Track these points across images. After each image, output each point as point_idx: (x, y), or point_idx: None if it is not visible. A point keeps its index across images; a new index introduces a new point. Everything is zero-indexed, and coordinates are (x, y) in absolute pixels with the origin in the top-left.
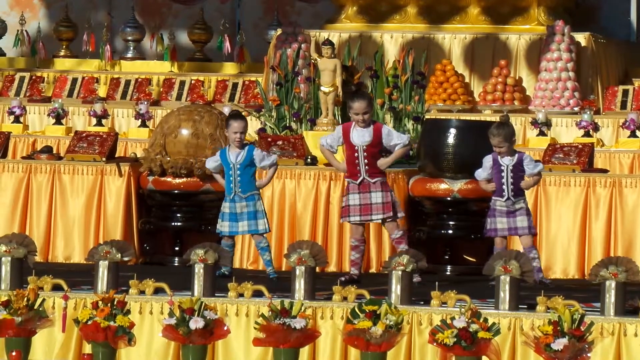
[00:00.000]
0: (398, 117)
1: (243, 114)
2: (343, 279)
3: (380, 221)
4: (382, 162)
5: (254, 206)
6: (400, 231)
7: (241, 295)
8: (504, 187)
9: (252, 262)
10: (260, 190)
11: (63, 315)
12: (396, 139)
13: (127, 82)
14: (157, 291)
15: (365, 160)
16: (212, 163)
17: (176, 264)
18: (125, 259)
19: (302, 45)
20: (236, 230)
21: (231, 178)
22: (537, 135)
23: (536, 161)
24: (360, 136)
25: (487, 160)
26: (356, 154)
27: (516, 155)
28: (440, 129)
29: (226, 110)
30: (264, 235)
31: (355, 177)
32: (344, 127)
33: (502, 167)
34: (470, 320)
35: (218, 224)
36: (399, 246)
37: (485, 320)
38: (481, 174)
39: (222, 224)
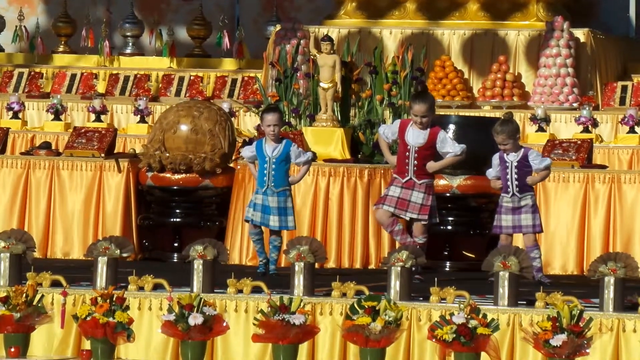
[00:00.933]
0: (397, 112)
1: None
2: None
3: (409, 219)
4: (432, 166)
5: (284, 202)
6: (425, 238)
7: (240, 291)
8: (509, 183)
9: (251, 258)
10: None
11: (62, 311)
12: (449, 147)
13: (126, 78)
14: (156, 287)
15: (415, 162)
16: (247, 152)
17: (175, 260)
18: (125, 255)
19: (301, 41)
20: (267, 223)
21: (265, 171)
22: (536, 131)
23: (543, 156)
24: (415, 137)
25: (495, 159)
26: (407, 153)
27: (522, 151)
28: (440, 124)
29: (225, 106)
30: (281, 233)
31: (402, 175)
32: (402, 122)
33: (507, 164)
34: (469, 316)
35: (248, 212)
36: None
37: (484, 316)
38: (491, 172)
39: (253, 213)
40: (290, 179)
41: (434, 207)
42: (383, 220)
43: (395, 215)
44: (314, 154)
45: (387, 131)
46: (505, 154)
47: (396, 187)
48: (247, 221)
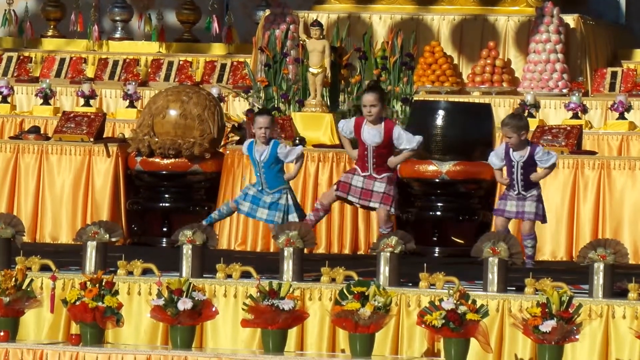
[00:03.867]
0: (386, 98)
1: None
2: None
3: (372, 208)
4: (392, 161)
5: (278, 199)
6: (389, 229)
7: (229, 276)
8: (514, 182)
9: (240, 243)
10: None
11: (51, 295)
12: (405, 143)
13: (115, 63)
14: (145, 272)
15: (374, 160)
16: (244, 150)
17: (164, 245)
18: (114, 239)
19: (291, 26)
20: (254, 215)
21: (258, 174)
22: (526, 117)
23: (550, 152)
24: (371, 135)
25: (500, 149)
26: (366, 152)
27: (528, 149)
28: (429, 110)
29: (214, 91)
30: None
31: (363, 170)
32: (356, 121)
33: (513, 163)
34: (458, 302)
35: (240, 201)
36: None
37: (474, 302)
38: (495, 162)
39: (243, 203)
40: (285, 177)
41: (396, 197)
42: (327, 199)
43: (350, 203)
44: (303, 140)
45: (345, 128)
46: (511, 150)
47: (359, 177)
48: (236, 206)
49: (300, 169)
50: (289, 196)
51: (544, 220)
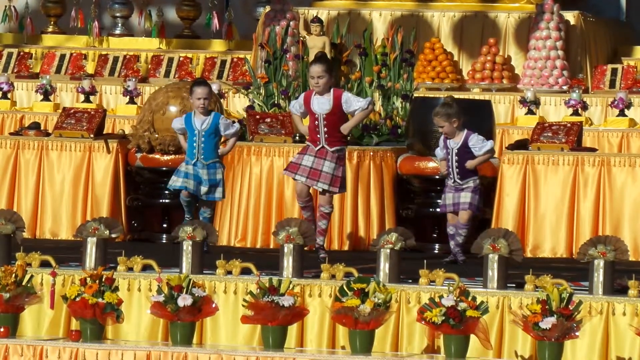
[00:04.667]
0: (386, 95)
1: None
2: (322, 256)
3: (320, 190)
4: (344, 127)
5: (214, 174)
6: (330, 207)
7: (229, 272)
8: (450, 169)
9: (240, 239)
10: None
11: (51, 291)
12: (355, 104)
13: (115, 59)
14: (145, 268)
15: (325, 129)
16: (177, 124)
17: (164, 241)
18: (114, 235)
19: (291, 23)
20: (199, 193)
21: (195, 144)
22: (526, 114)
23: (484, 140)
24: (321, 104)
25: (441, 140)
26: (316, 122)
27: (463, 136)
28: (429, 107)
29: (214, 88)
30: (211, 204)
31: (315, 144)
32: (306, 94)
33: (449, 150)
34: (458, 299)
35: (179, 181)
36: (321, 220)
37: (474, 298)
38: (438, 153)
39: (186, 180)
40: (220, 151)
41: (344, 177)
42: (302, 195)
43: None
44: (242, 124)
45: (295, 104)
46: (447, 139)
47: (309, 156)
48: (179, 190)
49: (234, 146)
50: (222, 170)
51: (478, 211)
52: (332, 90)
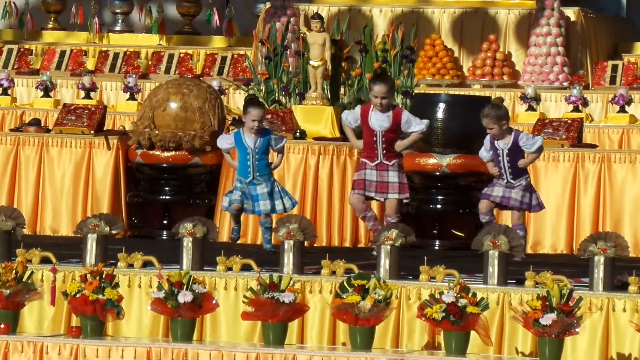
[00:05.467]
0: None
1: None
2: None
3: (394, 199)
4: (399, 145)
5: (271, 186)
6: (398, 217)
7: (230, 269)
8: (502, 171)
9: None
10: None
11: (52, 288)
12: (414, 126)
13: (116, 55)
14: (146, 264)
15: (383, 145)
16: (225, 144)
17: (165, 238)
18: (114, 232)
19: (291, 19)
20: (259, 209)
21: (249, 162)
22: (526, 110)
23: (534, 137)
24: (379, 121)
25: (486, 141)
26: (375, 138)
27: (512, 136)
28: (429, 103)
29: (215, 84)
30: (270, 216)
31: (372, 160)
32: (362, 108)
33: (499, 152)
34: (458, 295)
35: (225, 202)
36: None
37: (474, 295)
38: (484, 154)
39: (247, 202)
40: (272, 166)
41: (408, 184)
42: (357, 206)
43: (371, 199)
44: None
45: (350, 117)
46: (495, 140)
47: (371, 170)
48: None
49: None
50: (277, 183)
51: (530, 209)
52: (392, 109)
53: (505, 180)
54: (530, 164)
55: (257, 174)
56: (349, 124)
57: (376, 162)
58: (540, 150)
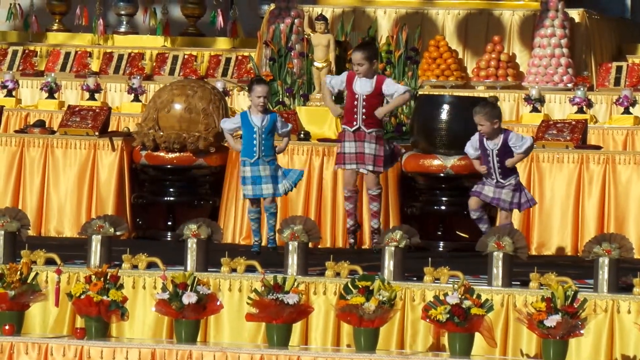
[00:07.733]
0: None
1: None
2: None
3: (366, 172)
4: (380, 111)
5: (275, 170)
6: (379, 189)
7: (234, 270)
8: (492, 171)
9: (244, 237)
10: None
11: (56, 289)
12: (393, 88)
13: (120, 57)
14: (150, 266)
15: (364, 110)
16: (230, 125)
17: (169, 239)
18: (118, 233)
19: (296, 20)
20: (260, 193)
21: (255, 142)
22: (531, 112)
23: (524, 137)
24: (363, 86)
25: (474, 139)
26: (355, 102)
27: (501, 136)
28: (434, 104)
29: (219, 85)
30: (275, 200)
31: (351, 125)
32: (349, 73)
33: (488, 152)
34: (463, 297)
35: (244, 189)
36: (372, 203)
37: (478, 296)
38: (470, 152)
39: (245, 187)
40: (277, 149)
41: (387, 156)
42: (350, 183)
43: (356, 171)
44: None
45: (333, 81)
46: (485, 140)
47: (350, 142)
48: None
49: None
50: (280, 167)
51: (520, 208)
52: (375, 75)
53: (495, 180)
54: (516, 163)
55: (263, 154)
56: (331, 88)
57: (355, 127)
58: (528, 150)
